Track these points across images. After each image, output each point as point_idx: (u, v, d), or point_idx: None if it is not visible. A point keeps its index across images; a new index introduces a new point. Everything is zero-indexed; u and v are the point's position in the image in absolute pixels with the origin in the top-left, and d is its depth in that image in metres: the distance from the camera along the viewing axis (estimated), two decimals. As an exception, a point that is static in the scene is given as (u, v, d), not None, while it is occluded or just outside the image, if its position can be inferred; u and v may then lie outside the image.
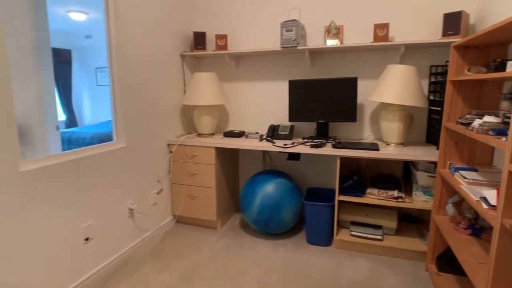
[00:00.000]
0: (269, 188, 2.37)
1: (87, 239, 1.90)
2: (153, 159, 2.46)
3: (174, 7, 2.67)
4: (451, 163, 1.81)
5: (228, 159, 2.78)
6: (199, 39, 2.79)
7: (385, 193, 2.19)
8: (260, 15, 2.76)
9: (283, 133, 2.57)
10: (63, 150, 2.81)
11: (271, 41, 2.77)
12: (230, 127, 3.02)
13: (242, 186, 3.08)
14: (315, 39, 2.63)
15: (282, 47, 2.45)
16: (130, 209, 2.24)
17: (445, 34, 2.13)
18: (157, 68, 2.48)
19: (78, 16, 5.05)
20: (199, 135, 2.76)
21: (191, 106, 2.95)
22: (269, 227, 2.40)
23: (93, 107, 6.92)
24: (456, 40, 1.99)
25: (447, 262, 1.93)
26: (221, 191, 2.65)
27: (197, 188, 2.59)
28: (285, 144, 2.35)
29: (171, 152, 2.63)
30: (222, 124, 3.06)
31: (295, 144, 2.36)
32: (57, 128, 2.73)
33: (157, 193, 2.53)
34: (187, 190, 2.64)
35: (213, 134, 2.79)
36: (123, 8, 2.12)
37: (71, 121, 6.58)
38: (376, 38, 2.31)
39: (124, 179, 2.18)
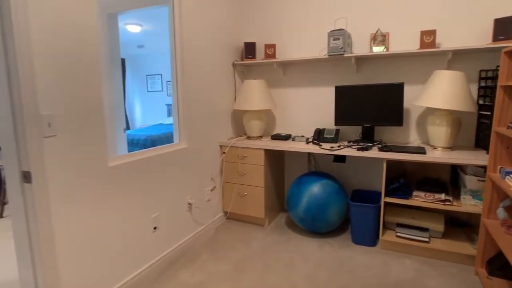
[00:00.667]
0: (315, 188, 2.51)
1: (155, 228, 2.17)
2: (207, 159, 2.71)
3: (227, 20, 2.92)
4: (501, 167, 1.83)
5: (275, 161, 2.95)
6: (249, 49, 3.01)
7: (432, 196, 2.23)
8: (306, 25, 2.92)
9: (328, 136, 2.69)
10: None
11: (317, 49, 2.91)
12: (277, 131, 3.20)
13: (287, 186, 3.24)
14: (361, 46, 2.73)
15: (329, 55, 2.59)
16: (189, 204, 2.49)
17: (495, 39, 2.14)
18: (211, 77, 2.73)
19: (134, 29, 5.54)
20: (248, 137, 2.97)
21: (241, 110, 3.17)
22: (315, 226, 2.53)
23: (143, 111, 7.48)
24: (508, 45, 2.00)
25: (499, 266, 1.93)
26: (268, 190, 2.83)
27: (247, 187, 2.80)
28: (331, 147, 2.48)
29: (224, 153, 2.86)
30: (269, 127, 3.24)
31: (341, 147, 2.47)
32: (124, 130, 3.08)
33: (211, 190, 2.77)
34: (237, 189, 2.85)
35: (261, 137, 2.99)
36: (185, 21, 2.39)
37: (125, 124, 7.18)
38: (423, 44, 2.37)
39: (185, 176, 2.44)
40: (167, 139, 5.45)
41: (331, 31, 2.57)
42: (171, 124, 6.39)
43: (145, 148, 5.20)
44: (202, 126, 2.63)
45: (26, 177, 1.36)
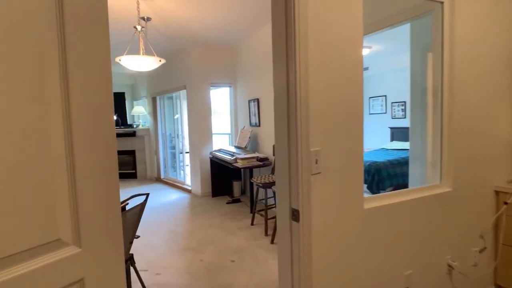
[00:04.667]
0: None
1: (406, 289, 1.73)
2: (476, 209, 1.99)
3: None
4: None
5: None
6: (552, 53, 2.04)
7: None
8: None
9: None
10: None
11: None
12: None
13: None
14: None
15: None
16: (449, 266, 1.88)
17: None
18: (487, 104, 2.02)
19: (363, 51, 5.43)
20: (547, 183, 1.98)
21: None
22: None
23: (365, 135, 7.25)
24: None
25: None
26: None
27: (547, 261, 1.83)
28: None
29: (505, 203, 2.03)
30: None
31: None
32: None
33: (479, 251, 2.02)
34: (527, 259, 1.93)
35: None
36: (459, 46, 1.86)
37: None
38: None
39: (445, 228, 1.87)
40: (393, 167, 4.88)
41: None
42: (396, 150, 5.75)
43: (368, 175, 4.88)
44: (471, 165, 1.96)
45: (295, 215, 1.32)
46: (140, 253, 3.12)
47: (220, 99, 6.29)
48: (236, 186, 5.14)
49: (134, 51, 5.17)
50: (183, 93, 6.00)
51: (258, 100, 4.72)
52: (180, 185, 6.17)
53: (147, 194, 2.16)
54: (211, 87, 5.40)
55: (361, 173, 1.54)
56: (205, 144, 5.40)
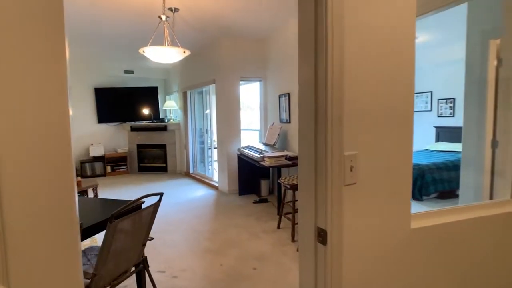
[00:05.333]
0: None
1: (462, 329, 1.39)
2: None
3: None
4: None
5: None
6: None
7: None
8: None
9: None
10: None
11: None
12: None
13: None
14: None
15: None
16: (519, 303, 1.50)
17: None
18: None
19: (407, 43, 4.92)
20: None
21: None
22: None
23: (405, 134, 6.68)
24: None
25: None
26: None
27: None
28: None
29: None
30: None
31: None
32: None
33: (560, 287, 1.60)
34: None
35: None
36: None
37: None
38: None
39: (505, 254, 1.49)
40: (439, 171, 4.37)
41: None
42: (442, 151, 5.18)
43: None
44: (554, 175, 1.55)
45: (321, 236, 1.05)
46: (159, 252, 3.01)
47: (252, 94, 6.08)
48: (264, 185, 4.91)
49: (160, 42, 5.10)
50: (212, 87, 5.87)
51: (289, 94, 4.44)
52: (208, 181, 6.07)
53: (161, 194, 1.99)
54: (241, 82, 5.20)
55: (408, 184, 1.23)
56: (233, 140, 5.22)
